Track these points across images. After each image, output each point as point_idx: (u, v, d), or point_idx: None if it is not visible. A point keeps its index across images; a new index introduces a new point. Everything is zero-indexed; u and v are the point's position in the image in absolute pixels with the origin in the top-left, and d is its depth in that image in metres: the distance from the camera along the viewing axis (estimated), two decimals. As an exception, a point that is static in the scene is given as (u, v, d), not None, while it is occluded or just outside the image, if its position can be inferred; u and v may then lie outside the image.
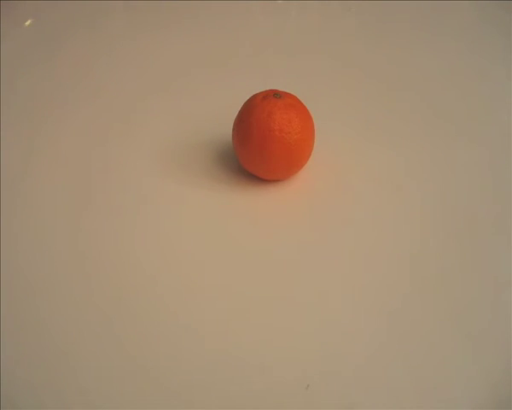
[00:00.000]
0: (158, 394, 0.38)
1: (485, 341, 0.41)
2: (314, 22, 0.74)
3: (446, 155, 0.54)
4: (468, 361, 0.40)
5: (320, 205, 0.50)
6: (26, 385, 0.39)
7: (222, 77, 0.64)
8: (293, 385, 0.39)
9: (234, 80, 0.63)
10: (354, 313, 0.43)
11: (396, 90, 0.62)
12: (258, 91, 0.50)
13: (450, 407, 0.38)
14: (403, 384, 0.39)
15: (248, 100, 0.50)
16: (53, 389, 0.39)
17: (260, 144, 0.47)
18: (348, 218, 0.49)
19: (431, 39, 0.70)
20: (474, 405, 0.38)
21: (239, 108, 0.50)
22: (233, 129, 0.50)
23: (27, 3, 0.74)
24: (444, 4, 0.75)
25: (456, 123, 0.58)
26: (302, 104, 0.49)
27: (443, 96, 0.61)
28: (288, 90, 0.50)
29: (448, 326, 0.42)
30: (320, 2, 0.76)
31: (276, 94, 0.48)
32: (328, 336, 0.41)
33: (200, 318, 0.42)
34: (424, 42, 0.70)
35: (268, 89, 0.49)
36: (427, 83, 0.63)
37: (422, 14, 0.74)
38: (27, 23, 0.72)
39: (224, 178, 0.52)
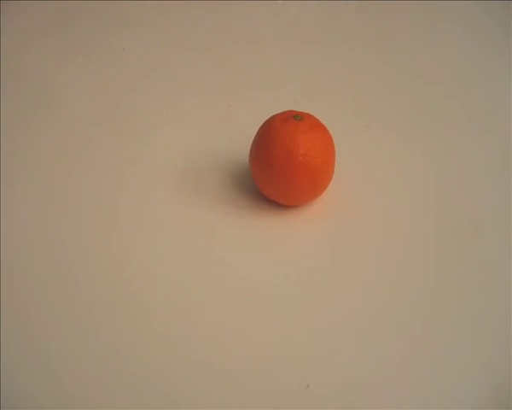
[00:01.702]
0: (158, 394, 0.38)
1: (485, 341, 0.41)
2: (314, 22, 0.74)
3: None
4: (468, 361, 0.40)
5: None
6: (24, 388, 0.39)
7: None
8: (293, 385, 0.39)
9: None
10: (354, 312, 0.43)
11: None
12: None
13: (451, 407, 0.38)
14: (403, 384, 0.39)
15: (266, 124, 0.47)
16: (49, 391, 0.39)
17: (285, 170, 0.45)
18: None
19: (432, 40, 0.70)
20: (474, 405, 0.38)
21: (253, 128, 0.48)
22: (251, 154, 0.48)
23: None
24: (444, 4, 0.75)
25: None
26: (322, 125, 0.47)
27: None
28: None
29: (448, 326, 0.42)
30: (320, 3, 0.76)
31: (295, 116, 0.46)
32: (329, 337, 0.41)
33: (202, 319, 0.43)
34: (425, 43, 0.70)
35: (286, 109, 0.48)
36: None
37: (423, 14, 0.74)
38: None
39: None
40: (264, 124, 0.48)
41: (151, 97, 0.62)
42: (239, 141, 0.51)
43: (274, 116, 0.47)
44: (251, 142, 0.48)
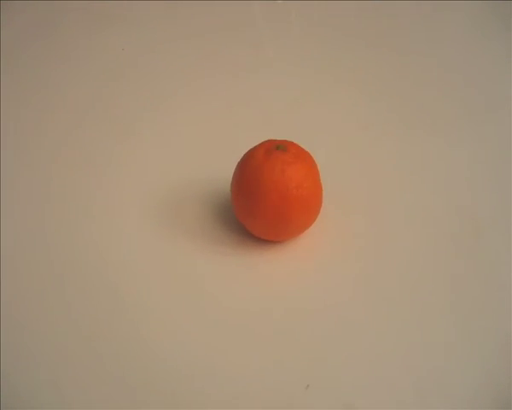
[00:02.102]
0: (155, 394, 0.39)
1: (485, 341, 0.41)
2: (314, 22, 0.74)
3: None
4: (468, 361, 0.40)
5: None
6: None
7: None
8: (293, 385, 0.39)
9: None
10: (354, 312, 0.43)
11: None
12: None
13: (451, 406, 0.38)
14: (403, 384, 0.39)
15: (249, 156, 0.44)
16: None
17: (279, 206, 0.42)
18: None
19: (432, 40, 0.70)
20: (474, 405, 0.38)
21: (236, 152, 0.45)
22: (233, 189, 0.45)
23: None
24: (445, 4, 0.75)
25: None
26: (307, 153, 0.45)
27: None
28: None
29: (448, 326, 0.42)
30: (320, 3, 0.76)
31: (278, 146, 0.43)
32: (329, 336, 0.41)
33: (201, 328, 0.43)
34: (425, 43, 0.70)
35: (267, 138, 0.45)
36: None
37: (424, 13, 0.74)
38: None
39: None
40: (244, 157, 0.44)
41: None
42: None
43: (255, 148, 0.44)
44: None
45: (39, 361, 0.40)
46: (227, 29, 0.71)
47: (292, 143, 0.45)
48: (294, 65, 0.66)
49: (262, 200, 0.42)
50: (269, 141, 0.44)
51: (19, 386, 0.39)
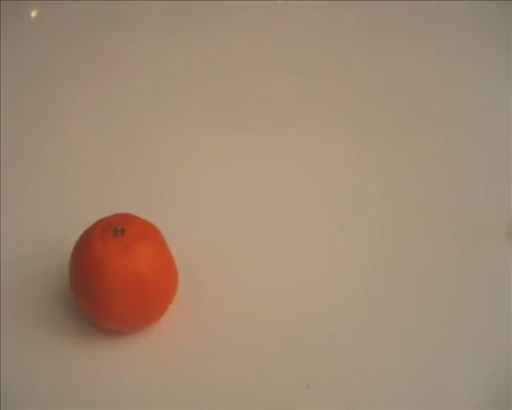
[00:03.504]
0: (154, 395, 0.39)
1: (485, 342, 0.41)
2: (314, 22, 0.74)
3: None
4: (469, 362, 0.40)
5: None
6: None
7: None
8: (293, 385, 0.39)
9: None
10: (354, 312, 0.43)
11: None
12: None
13: (451, 406, 0.38)
14: (403, 385, 0.39)
15: (84, 235, 0.39)
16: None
17: (128, 294, 0.37)
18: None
19: (433, 41, 0.70)
20: (474, 405, 0.38)
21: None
22: (72, 284, 0.39)
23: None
24: (444, 4, 0.75)
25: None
26: (152, 228, 0.39)
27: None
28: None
29: (448, 326, 0.42)
30: (320, 3, 0.76)
31: (116, 229, 0.37)
32: (329, 336, 0.42)
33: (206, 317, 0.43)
34: (426, 44, 0.70)
35: (108, 215, 0.39)
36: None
37: (424, 14, 0.74)
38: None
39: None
40: (79, 244, 0.39)
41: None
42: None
43: (94, 225, 0.39)
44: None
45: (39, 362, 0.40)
46: (227, 28, 0.71)
47: (140, 222, 0.39)
48: (294, 65, 0.66)
49: (108, 292, 0.37)
50: (103, 220, 0.39)
51: (19, 387, 0.39)
